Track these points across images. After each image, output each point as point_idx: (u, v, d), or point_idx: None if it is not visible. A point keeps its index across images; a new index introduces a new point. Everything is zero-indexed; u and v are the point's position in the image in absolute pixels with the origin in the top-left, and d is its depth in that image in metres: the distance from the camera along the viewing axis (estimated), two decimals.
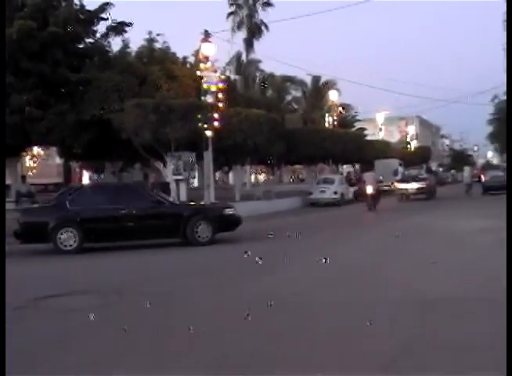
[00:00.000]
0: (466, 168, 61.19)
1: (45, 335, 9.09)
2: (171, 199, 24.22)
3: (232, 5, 71.44)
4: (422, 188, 48.67)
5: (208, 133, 31.58)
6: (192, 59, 42.31)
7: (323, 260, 15.37)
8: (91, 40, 35.23)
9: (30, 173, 47.95)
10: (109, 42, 35.73)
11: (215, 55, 35.11)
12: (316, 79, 73.31)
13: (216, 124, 31.62)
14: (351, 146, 52.60)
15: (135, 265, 17.02)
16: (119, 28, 35.27)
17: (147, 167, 45.11)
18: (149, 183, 42.85)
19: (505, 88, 64.87)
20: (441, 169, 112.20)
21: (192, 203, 25.17)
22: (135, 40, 38.27)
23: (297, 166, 74.28)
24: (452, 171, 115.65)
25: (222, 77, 34.74)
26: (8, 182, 33.76)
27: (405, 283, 11.99)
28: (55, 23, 31.61)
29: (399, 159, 66.13)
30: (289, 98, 73.58)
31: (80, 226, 19.51)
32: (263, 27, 70.37)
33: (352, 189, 47.68)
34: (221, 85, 32.52)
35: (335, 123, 58.06)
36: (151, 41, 39.19)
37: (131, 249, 19.96)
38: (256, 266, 14.98)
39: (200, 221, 20.45)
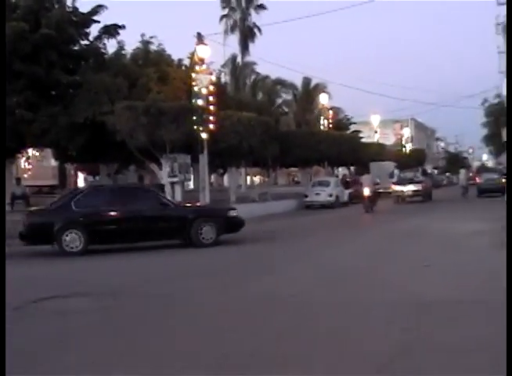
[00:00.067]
0: (462, 171, 61.53)
1: (43, 336, 9.08)
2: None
3: (225, 7, 71.43)
4: (418, 190, 48.86)
5: (203, 136, 31.54)
6: (187, 62, 42.26)
7: (322, 262, 15.49)
8: (86, 42, 35.22)
9: (25, 175, 47.80)
10: (104, 44, 35.75)
11: (210, 57, 35.09)
12: (307, 82, 73.27)
13: (211, 126, 31.60)
14: (346, 149, 52.60)
15: (137, 267, 17.01)
16: (112, 30, 35.24)
17: (142, 169, 45.05)
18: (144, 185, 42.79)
19: (495, 92, 65.27)
20: (436, 172, 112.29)
21: (197, 204, 25.27)
22: (131, 42, 38.30)
23: (293, 169, 74.28)
24: (447, 173, 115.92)
25: (213, 79, 34.62)
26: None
27: (401, 286, 11.97)
28: (48, 25, 31.55)
29: (394, 161, 66.25)
30: (279, 101, 73.55)
31: (85, 228, 19.50)
32: (256, 30, 70.41)
33: (347, 192, 47.69)
34: (212, 88, 32.47)
35: (330, 125, 58.02)
36: (146, 43, 39.19)
37: (134, 251, 20.02)
38: (257, 267, 15.40)
39: (204, 222, 20.60)
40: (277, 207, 39.96)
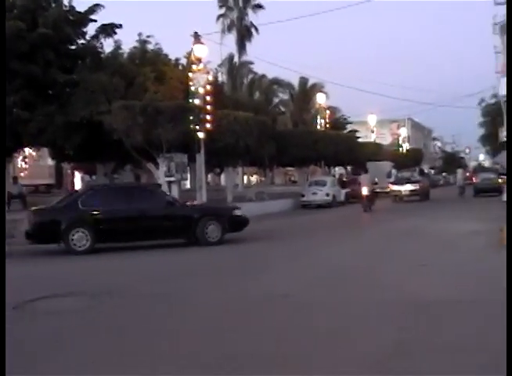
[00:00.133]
0: (459, 171, 61.66)
1: (36, 335, 9.03)
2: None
3: (222, 6, 71.39)
4: (415, 190, 49.18)
5: (200, 135, 31.54)
6: (184, 61, 42.26)
7: (321, 261, 15.54)
8: (83, 41, 35.21)
9: (21, 174, 47.77)
10: (101, 43, 35.75)
11: (207, 56, 35.11)
12: (304, 82, 73.26)
13: (208, 126, 31.61)
14: (343, 148, 52.63)
15: (140, 266, 17.02)
16: (109, 30, 35.24)
17: (139, 168, 45.01)
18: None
19: (492, 92, 65.35)
20: (432, 172, 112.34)
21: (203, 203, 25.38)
22: (128, 41, 38.28)
23: (289, 168, 74.27)
24: (444, 173, 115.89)
25: (210, 79, 34.65)
26: None
27: (399, 285, 11.96)
28: (45, 25, 31.56)
29: (391, 161, 66.26)
30: (276, 100, 73.56)
31: (92, 227, 19.51)
32: (253, 30, 70.34)
33: (344, 191, 47.73)
34: (208, 88, 32.49)
35: (327, 125, 58.03)
36: (143, 42, 39.17)
37: (139, 249, 20.03)
38: (258, 266, 15.58)
39: (210, 221, 20.72)
40: (274, 206, 39.94)
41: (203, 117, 31.53)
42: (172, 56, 41.61)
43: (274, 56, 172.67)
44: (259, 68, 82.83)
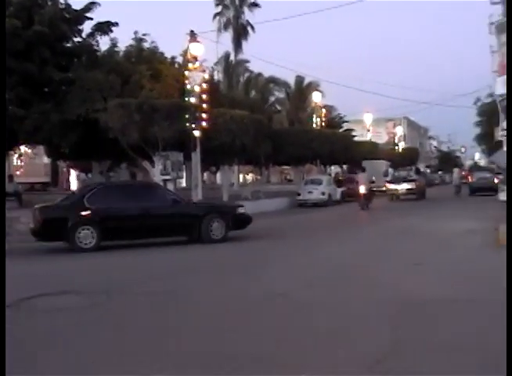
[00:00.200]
0: (455, 170, 61.97)
1: (38, 334, 9.00)
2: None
3: (218, 5, 71.38)
4: (412, 189, 49.64)
5: (196, 133, 31.53)
6: (180, 59, 42.20)
7: (319, 260, 15.58)
8: (79, 39, 35.16)
9: (17, 172, 47.76)
10: (97, 41, 35.71)
11: (203, 55, 35.08)
12: (300, 80, 73.28)
13: (204, 124, 31.60)
14: (338, 147, 52.56)
15: (143, 264, 17.00)
16: (105, 28, 35.20)
17: (135, 166, 45.02)
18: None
19: (488, 91, 65.38)
20: (428, 171, 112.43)
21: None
22: (124, 39, 38.25)
23: (285, 167, 74.27)
24: (440, 172, 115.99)
25: (206, 77, 34.61)
26: None
27: (396, 284, 11.95)
28: (41, 22, 31.48)
29: (387, 160, 66.32)
30: (272, 99, 73.57)
31: (98, 225, 19.55)
32: (249, 28, 70.43)
33: (340, 190, 47.78)
34: (204, 86, 32.47)
35: (323, 124, 58.01)
36: (139, 40, 39.11)
37: (142, 247, 20.09)
38: (258, 265, 15.62)
39: (214, 219, 20.92)
40: (270, 205, 39.91)
41: (199, 116, 31.52)
42: (168, 54, 41.59)
43: (270, 55, 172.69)
44: (255, 67, 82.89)
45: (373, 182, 43.57)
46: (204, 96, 32.13)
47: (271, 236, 22.82)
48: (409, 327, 8.70)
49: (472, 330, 8.44)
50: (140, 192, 21.38)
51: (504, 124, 23.86)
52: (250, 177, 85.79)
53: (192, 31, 33.86)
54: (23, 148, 45.05)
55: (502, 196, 22.95)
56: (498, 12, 48.20)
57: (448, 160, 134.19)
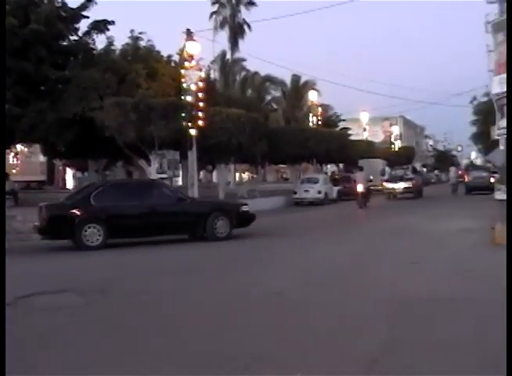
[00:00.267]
0: (452, 169, 62.10)
1: (22, 334, 8.97)
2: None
3: (214, 3, 71.30)
4: (409, 187, 49.85)
5: (192, 132, 31.53)
6: (176, 58, 42.19)
7: (317, 259, 15.63)
8: (75, 37, 35.11)
9: (13, 170, 47.67)
10: (93, 40, 35.66)
11: (200, 53, 35.07)
12: (296, 79, 73.27)
13: (200, 123, 31.60)
14: (335, 146, 52.60)
15: (146, 262, 17.06)
16: (101, 26, 35.16)
17: (131, 165, 44.96)
18: None
19: (484, 90, 65.46)
20: (424, 169, 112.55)
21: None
22: (120, 38, 38.20)
23: (281, 165, 74.26)
24: (436, 171, 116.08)
25: (203, 76, 34.63)
26: None
27: (393, 283, 11.93)
28: (37, 21, 31.44)
29: (383, 159, 66.39)
30: (269, 98, 73.55)
31: (104, 223, 19.62)
32: (246, 27, 70.30)
33: (336, 189, 47.84)
34: (201, 85, 32.47)
35: (319, 122, 58.05)
36: (136, 39, 39.06)
37: (146, 245, 20.27)
38: (259, 263, 15.75)
39: (218, 217, 21.10)
40: (266, 203, 39.88)
41: (196, 114, 31.54)
42: (164, 53, 41.56)
43: (267, 54, 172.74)
44: (252, 65, 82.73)
45: (370, 180, 43.77)
46: (201, 95, 32.15)
47: (269, 235, 22.79)
48: (406, 326, 8.69)
49: (469, 329, 8.43)
50: (146, 190, 21.51)
51: (500, 123, 23.91)
52: (246, 176, 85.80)
53: (188, 30, 33.88)
54: (19, 146, 45.03)
55: (498, 195, 23.01)
56: (494, 11, 48.22)
57: (444, 159, 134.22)
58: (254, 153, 43.01)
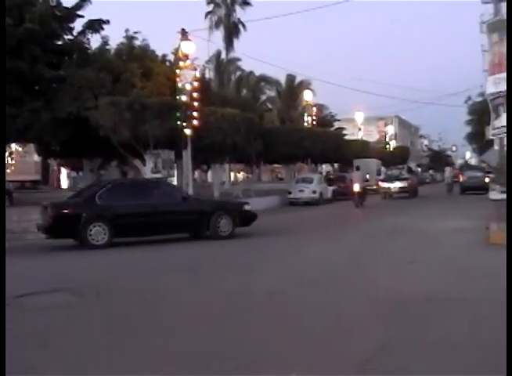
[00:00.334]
0: (447, 169, 62.39)
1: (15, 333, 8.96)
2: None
3: (209, 3, 71.30)
4: (404, 187, 50.20)
5: (187, 132, 31.52)
6: (171, 57, 42.15)
7: (314, 259, 15.65)
8: (70, 37, 35.07)
9: (7, 170, 47.59)
10: (88, 39, 35.63)
11: (195, 53, 35.07)
12: (291, 79, 73.31)
13: (195, 122, 31.59)
14: (329, 146, 52.60)
15: (146, 261, 17.06)
16: (96, 25, 35.12)
17: (125, 165, 44.96)
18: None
19: (479, 90, 65.44)
20: (419, 169, 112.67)
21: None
22: (115, 37, 38.15)
23: (276, 165, 74.28)
24: (431, 171, 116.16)
25: (198, 75, 34.63)
26: None
27: (388, 283, 11.93)
28: (32, 20, 31.38)
29: (378, 159, 66.44)
30: (263, 97, 73.57)
31: (110, 221, 19.69)
32: (240, 26, 70.30)
33: (331, 189, 47.84)
34: (196, 84, 32.46)
35: (314, 122, 58.06)
36: (130, 38, 39.00)
37: (150, 243, 20.34)
38: (261, 262, 15.80)
39: (222, 216, 21.27)
40: (260, 203, 39.76)
41: (190, 114, 31.54)
42: (159, 53, 41.52)
43: (262, 53, 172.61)
44: (247, 65, 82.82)
45: (366, 180, 43.96)
46: (195, 95, 32.15)
47: (267, 234, 22.75)
48: (401, 326, 8.68)
49: (465, 329, 8.43)
50: (151, 189, 21.66)
51: (495, 123, 23.94)
52: (241, 175, 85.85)
53: (183, 29, 33.88)
54: (13, 146, 44.98)
55: (493, 194, 23.08)
56: (489, 11, 48.15)
57: (439, 159, 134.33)
58: (248, 153, 42.98)
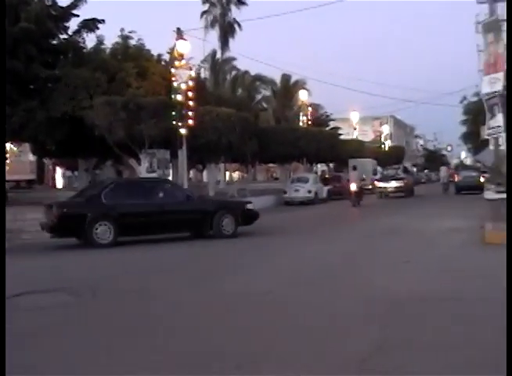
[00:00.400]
0: (443, 168, 62.58)
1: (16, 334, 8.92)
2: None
3: (205, 3, 71.27)
4: (400, 187, 50.48)
5: (182, 131, 31.51)
6: (167, 57, 42.10)
7: (312, 258, 15.69)
8: (65, 36, 34.98)
9: None
10: (83, 39, 35.53)
11: (190, 52, 35.08)
12: (286, 78, 73.27)
13: (190, 122, 31.59)
14: (325, 145, 52.68)
15: (146, 260, 17.13)
16: (91, 25, 35.05)
17: (121, 164, 44.93)
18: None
19: (474, 90, 65.45)
20: (414, 169, 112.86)
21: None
22: (110, 37, 38.07)
23: (272, 165, 74.28)
24: (426, 171, 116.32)
25: (193, 75, 34.63)
26: None
27: (384, 283, 11.92)
28: (27, 19, 31.29)
29: (373, 158, 66.53)
30: (259, 97, 73.54)
31: (115, 220, 19.80)
32: (236, 26, 70.31)
33: (326, 188, 47.88)
34: (191, 84, 32.46)
35: (309, 122, 58.09)
36: (126, 38, 38.93)
37: (154, 242, 20.47)
38: (261, 261, 15.90)
39: (225, 215, 21.50)
40: (256, 203, 39.41)
41: (186, 113, 31.55)
42: (155, 52, 41.41)
43: (257, 53, 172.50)
44: (242, 64, 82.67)
45: (363, 180, 44.19)
46: (191, 94, 32.15)
47: (265, 234, 22.79)
48: (397, 326, 8.67)
49: (460, 329, 8.42)
50: (156, 188, 21.76)
51: (490, 123, 23.93)
52: (236, 175, 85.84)
53: (178, 29, 33.92)
54: (8, 145, 44.89)
55: (488, 194, 23.09)
56: (484, 11, 48.18)
57: (434, 159, 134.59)
58: (244, 153, 43.02)
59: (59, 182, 62.65)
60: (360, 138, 78.66)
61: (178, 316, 9.75)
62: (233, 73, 71.18)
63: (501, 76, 23.24)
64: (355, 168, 42.86)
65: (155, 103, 31.81)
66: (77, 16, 34.66)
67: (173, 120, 31.22)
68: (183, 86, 31.95)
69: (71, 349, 7.98)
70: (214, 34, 70.00)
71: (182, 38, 33.49)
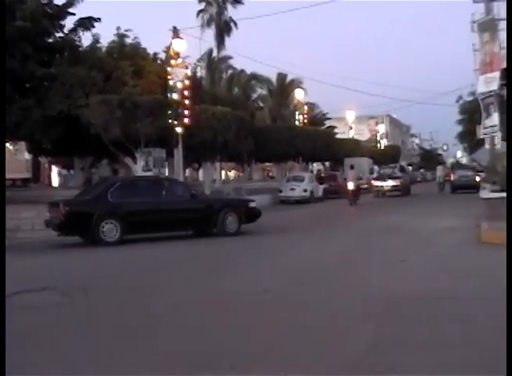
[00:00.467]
0: (439, 168, 62.82)
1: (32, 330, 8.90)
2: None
3: (201, 1, 71.19)
4: (397, 186, 50.69)
5: (178, 130, 31.51)
6: (163, 56, 42.08)
7: (309, 258, 15.65)
8: (61, 34, 34.95)
9: None
10: (79, 37, 35.51)
11: (186, 51, 35.05)
12: (282, 77, 73.20)
13: (186, 120, 31.58)
14: (321, 144, 52.73)
15: (146, 259, 17.20)
16: (87, 23, 35.03)
17: (116, 163, 44.87)
18: None
19: (470, 90, 65.49)
20: (410, 168, 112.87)
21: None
22: (106, 35, 38.04)
23: (268, 164, 74.25)
24: (422, 170, 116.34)
25: (189, 74, 34.62)
26: None
27: (381, 282, 11.92)
28: (23, 18, 31.24)
29: (369, 157, 66.60)
30: (255, 96, 73.47)
31: (122, 218, 19.95)
32: (232, 25, 70.21)
33: (322, 187, 47.91)
34: (187, 82, 32.45)
35: (305, 121, 58.09)
36: (122, 36, 38.89)
37: (158, 240, 20.62)
38: (262, 260, 15.88)
39: (228, 213, 21.73)
40: None
41: (182, 112, 31.53)
42: (151, 51, 41.40)
43: (253, 52, 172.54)
44: (238, 63, 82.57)
45: (360, 178, 44.41)
46: (187, 93, 32.14)
47: (265, 232, 22.84)
48: (394, 325, 8.66)
49: (456, 328, 8.42)
50: (160, 186, 21.99)
51: (486, 122, 23.96)
52: (232, 174, 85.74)
53: (174, 27, 33.89)
54: None
55: (484, 193, 23.12)
56: (480, 10, 48.19)
57: (430, 158, 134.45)
58: (240, 152, 43.04)
59: (55, 181, 62.48)
60: (356, 137, 78.63)
61: (178, 316, 9.74)
62: (229, 72, 71.05)
63: (497, 75, 23.22)
64: (352, 167, 43.04)
65: (151, 101, 31.82)
66: (73, 14, 34.68)
67: (169, 118, 31.23)
68: (179, 85, 31.93)
69: (71, 349, 7.98)
70: (211, 33, 69.94)
71: (178, 37, 33.49)
